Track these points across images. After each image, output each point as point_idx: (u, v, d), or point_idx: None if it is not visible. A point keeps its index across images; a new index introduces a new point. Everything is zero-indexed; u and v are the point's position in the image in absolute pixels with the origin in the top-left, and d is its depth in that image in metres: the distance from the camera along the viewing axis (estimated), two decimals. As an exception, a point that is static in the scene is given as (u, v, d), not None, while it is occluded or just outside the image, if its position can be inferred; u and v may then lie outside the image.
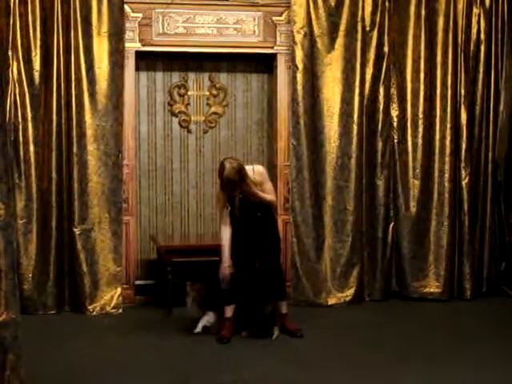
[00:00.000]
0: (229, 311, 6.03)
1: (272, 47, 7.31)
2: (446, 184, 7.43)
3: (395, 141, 7.44)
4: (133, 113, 7.13)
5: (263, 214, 6.03)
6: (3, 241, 3.69)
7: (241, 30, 7.26)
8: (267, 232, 6.09)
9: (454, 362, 5.45)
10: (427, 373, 5.21)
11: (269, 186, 6.06)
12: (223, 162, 5.86)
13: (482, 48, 7.46)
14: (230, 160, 5.87)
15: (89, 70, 6.86)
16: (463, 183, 7.46)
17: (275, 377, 5.16)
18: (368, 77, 7.34)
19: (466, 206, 7.47)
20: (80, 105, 6.86)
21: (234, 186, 5.81)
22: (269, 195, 6.00)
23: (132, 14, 7.01)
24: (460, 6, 7.40)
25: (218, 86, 7.65)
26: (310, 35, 7.18)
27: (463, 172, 7.46)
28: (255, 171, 6.00)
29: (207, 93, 7.65)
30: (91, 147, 6.89)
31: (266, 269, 6.06)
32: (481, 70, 7.48)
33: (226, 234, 5.98)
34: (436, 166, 7.44)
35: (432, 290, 7.44)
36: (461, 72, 7.44)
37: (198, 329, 6.15)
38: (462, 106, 7.45)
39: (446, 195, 7.42)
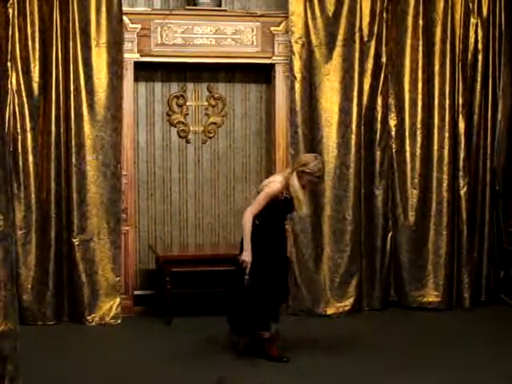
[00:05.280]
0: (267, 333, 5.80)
1: (270, 57, 7.33)
2: (445, 193, 7.43)
3: (393, 150, 7.45)
4: (131, 123, 7.16)
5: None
6: (2, 251, 3.70)
7: (239, 41, 7.28)
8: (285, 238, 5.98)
9: (453, 371, 5.44)
10: (425, 382, 5.20)
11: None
12: (317, 156, 5.81)
13: (480, 57, 7.48)
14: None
15: (87, 81, 6.88)
16: (461, 192, 7.46)
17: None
18: (366, 87, 7.35)
19: (464, 215, 7.48)
20: (79, 115, 6.88)
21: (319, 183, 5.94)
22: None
23: (131, 25, 7.04)
24: (457, 16, 7.42)
25: (216, 96, 7.66)
26: (307, 45, 7.21)
27: (461, 181, 7.46)
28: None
29: (206, 103, 7.66)
30: (90, 158, 6.91)
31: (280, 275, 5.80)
32: (478, 79, 7.51)
33: (251, 222, 5.59)
34: (434, 175, 7.45)
35: (431, 299, 7.44)
36: (458, 81, 7.45)
37: None
38: (460, 116, 7.46)
39: (445, 204, 7.43)
